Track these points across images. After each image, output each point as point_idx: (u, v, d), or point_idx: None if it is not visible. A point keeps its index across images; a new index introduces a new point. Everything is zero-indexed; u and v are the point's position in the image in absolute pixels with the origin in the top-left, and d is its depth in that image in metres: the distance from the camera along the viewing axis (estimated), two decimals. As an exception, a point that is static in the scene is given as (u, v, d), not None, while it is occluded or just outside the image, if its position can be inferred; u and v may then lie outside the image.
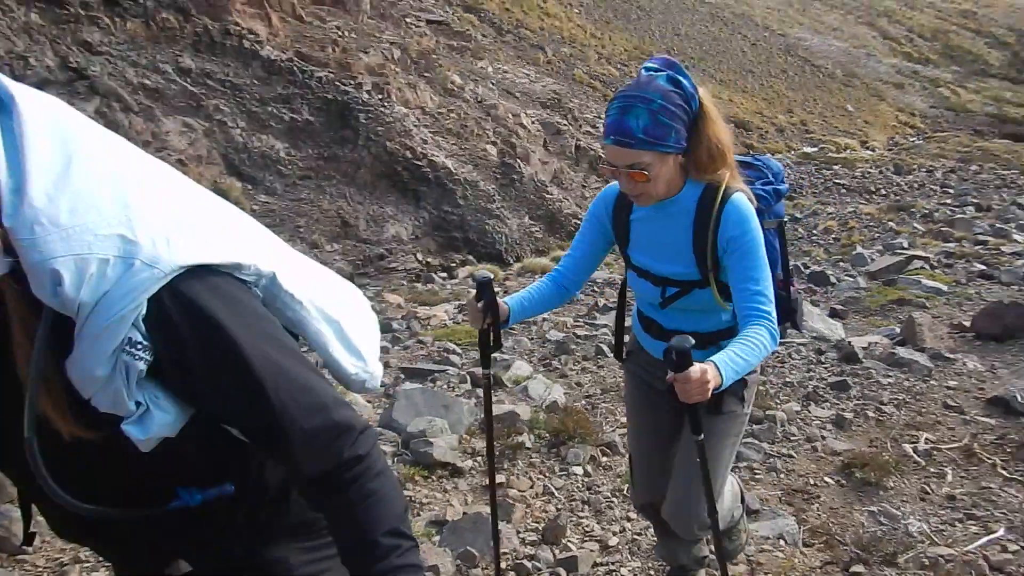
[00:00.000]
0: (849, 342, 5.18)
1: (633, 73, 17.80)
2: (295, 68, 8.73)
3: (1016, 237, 11.72)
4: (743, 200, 1.74)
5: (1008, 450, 3.55)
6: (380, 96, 9.36)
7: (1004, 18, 37.43)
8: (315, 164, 8.29)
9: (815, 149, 20.58)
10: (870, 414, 4.03)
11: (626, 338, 2.23)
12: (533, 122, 12.89)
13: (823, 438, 3.73)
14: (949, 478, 3.33)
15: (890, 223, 13.64)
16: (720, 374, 1.56)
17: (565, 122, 14.13)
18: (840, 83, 25.77)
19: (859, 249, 10.78)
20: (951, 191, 17.09)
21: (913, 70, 28.80)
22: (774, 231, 1.99)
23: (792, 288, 2.09)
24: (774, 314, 1.73)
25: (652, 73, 1.65)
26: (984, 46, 33.30)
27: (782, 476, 3.38)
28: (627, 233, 1.92)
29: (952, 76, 29.21)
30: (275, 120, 8.21)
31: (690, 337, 1.51)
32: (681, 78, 1.64)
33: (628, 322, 2.23)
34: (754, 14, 28.82)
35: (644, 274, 1.91)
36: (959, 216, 13.75)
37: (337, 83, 8.98)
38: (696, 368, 1.51)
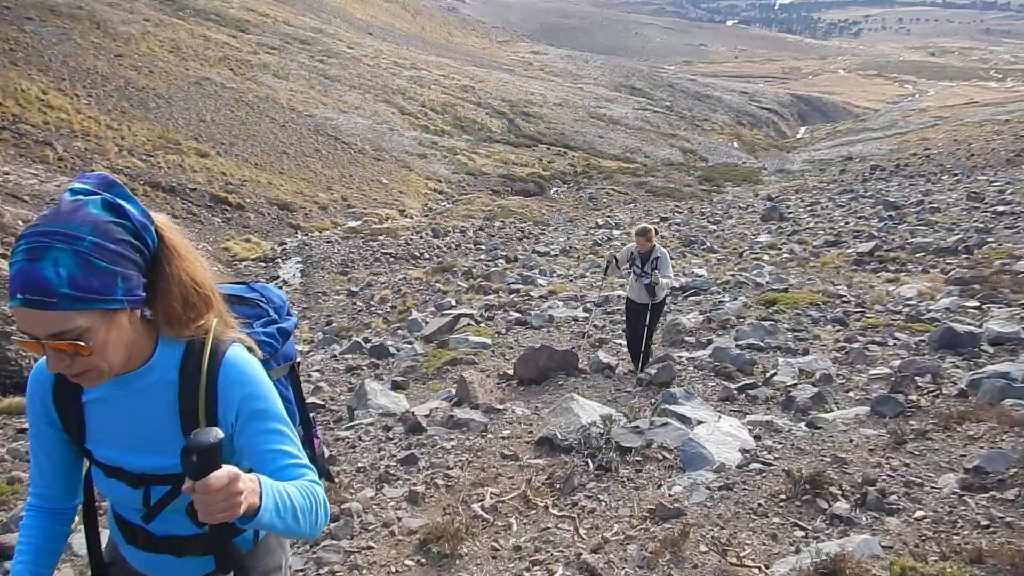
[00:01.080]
0: (412, 412, 5.56)
1: (162, 163, 16.91)
2: None
3: (540, 281, 13.91)
4: (242, 354, 1.39)
5: (557, 487, 4.12)
6: None
7: (496, 91, 44.36)
8: None
9: (360, 222, 21.82)
10: (439, 482, 4.36)
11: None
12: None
13: (399, 519, 3.90)
14: (514, 528, 3.73)
15: (437, 284, 15.10)
16: (260, 491, 1.18)
17: (87, 227, 12.81)
18: (371, 158, 27.78)
19: (414, 314, 11.71)
20: (483, 247, 19.58)
21: (432, 141, 32.33)
22: (286, 378, 1.66)
23: (316, 441, 1.77)
24: (322, 489, 1.36)
25: (79, 198, 1.20)
26: (486, 116, 38.93)
27: (364, 572, 3.44)
28: (81, 421, 1.42)
29: (465, 144, 33.51)
30: None
31: (218, 430, 1.10)
32: (124, 203, 1.23)
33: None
34: (278, 97, 29.71)
35: (115, 472, 1.41)
36: (493, 269, 15.82)
37: None
38: (223, 473, 1.09)
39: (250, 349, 1.43)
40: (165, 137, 21.22)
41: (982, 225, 13.97)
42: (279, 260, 18.08)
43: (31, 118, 18.54)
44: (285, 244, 19.17)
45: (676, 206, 26.69)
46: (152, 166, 19.20)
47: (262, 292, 1.67)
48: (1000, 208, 15.35)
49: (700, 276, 11.74)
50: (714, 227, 20.24)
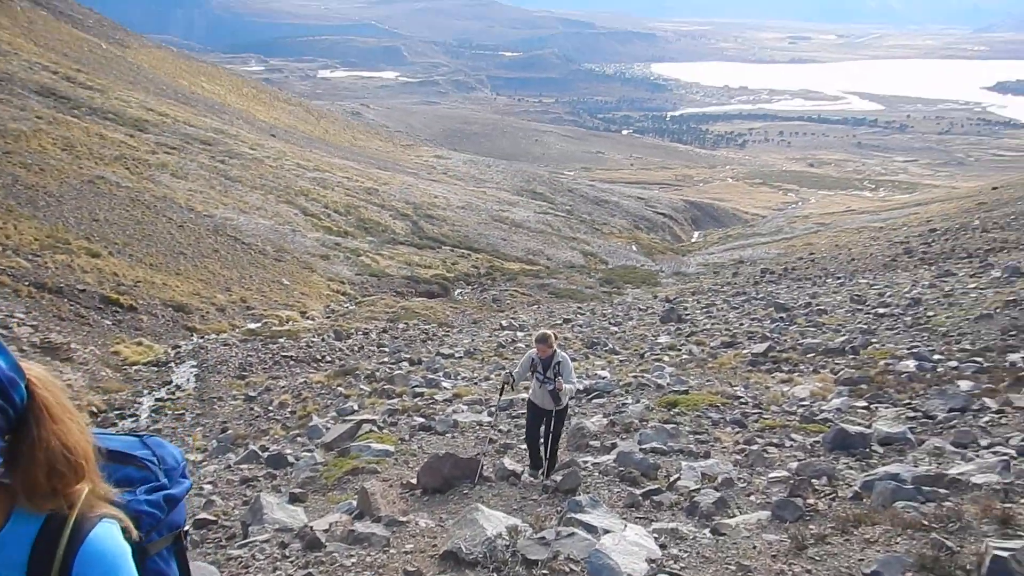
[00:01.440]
0: (311, 527, 5.35)
1: (50, 264, 16.19)
2: None
3: (444, 384, 13.83)
4: (108, 538, 1.20)
5: (460, 603, 4.04)
6: None
7: (400, 193, 44.95)
8: None
9: (259, 324, 21.32)
10: (339, 605, 4.19)
11: None
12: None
13: (297, 650, 3.72)
14: (418, 651, 3.62)
15: (339, 388, 14.80)
16: None
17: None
18: (272, 259, 27.41)
19: (314, 420, 11.40)
20: (387, 349, 19.40)
21: (335, 242, 32.26)
22: (168, 551, 1.44)
23: None
24: None
25: None
26: (389, 218, 39.26)
27: None
28: None
29: (369, 245, 33.57)
30: None
31: None
32: None
33: None
34: (176, 197, 29.20)
35: None
36: (397, 372, 15.65)
37: None
38: None
39: (124, 528, 1.25)
40: (54, 236, 20.44)
41: (865, 326, 14.82)
42: (172, 364, 17.38)
43: (-97, 216, 17.58)
44: (180, 347, 18.48)
45: (578, 308, 27.28)
46: (39, 266, 18.38)
47: (154, 450, 1.46)
48: (881, 310, 16.36)
49: (603, 378, 11.95)
50: (616, 328, 20.74)
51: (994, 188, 58.20)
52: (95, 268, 20.17)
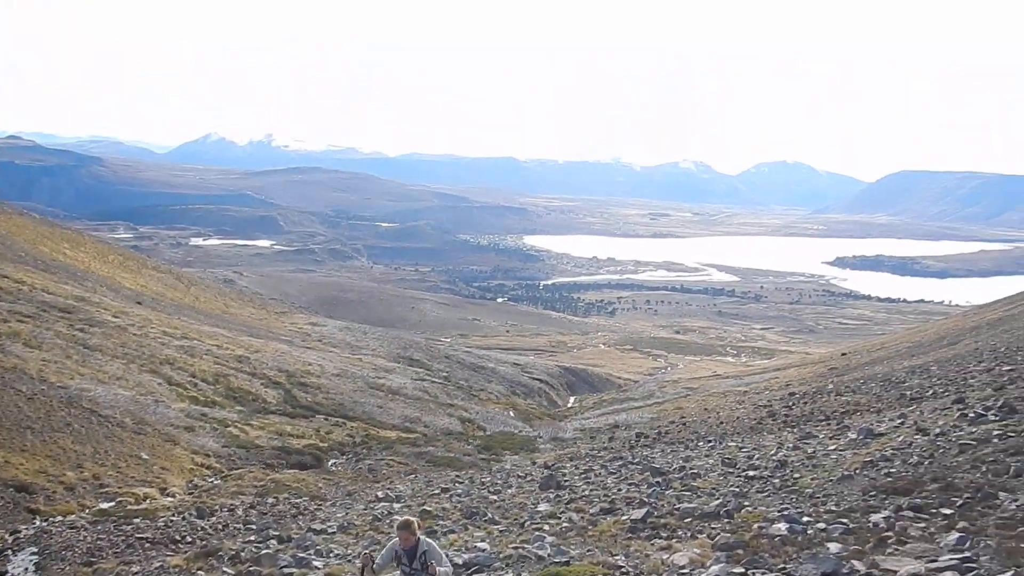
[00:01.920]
0: None
1: None
2: None
3: (316, 563, 13.20)
4: None
5: None
6: None
7: (273, 361, 44.00)
8: None
9: (112, 504, 19.85)
10: None
11: None
12: None
13: None
14: None
15: (200, 572, 13.83)
16: None
17: None
18: (131, 431, 25.95)
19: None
20: (253, 527, 18.37)
21: (201, 412, 30.95)
22: None
23: None
24: None
25: None
26: (261, 386, 38.19)
27: None
28: None
29: (238, 415, 32.36)
30: None
31: None
32: None
33: None
34: (27, 367, 27.54)
35: None
36: (264, 552, 14.81)
37: None
38: None
39: None
40: None
41: (737, 489, 15.40)
42: (9, 553, 15.78)
43: None
44: (19, 533, 16.85)
45: (457, 476, 26.94)
46: None
47: None
48: (751, 472, 17.08)
49: (483, 551, 11.83)
50: (495, 497, 20.58)
51: (843, 354, 63.19)
52: (-74, 446, 18.47)
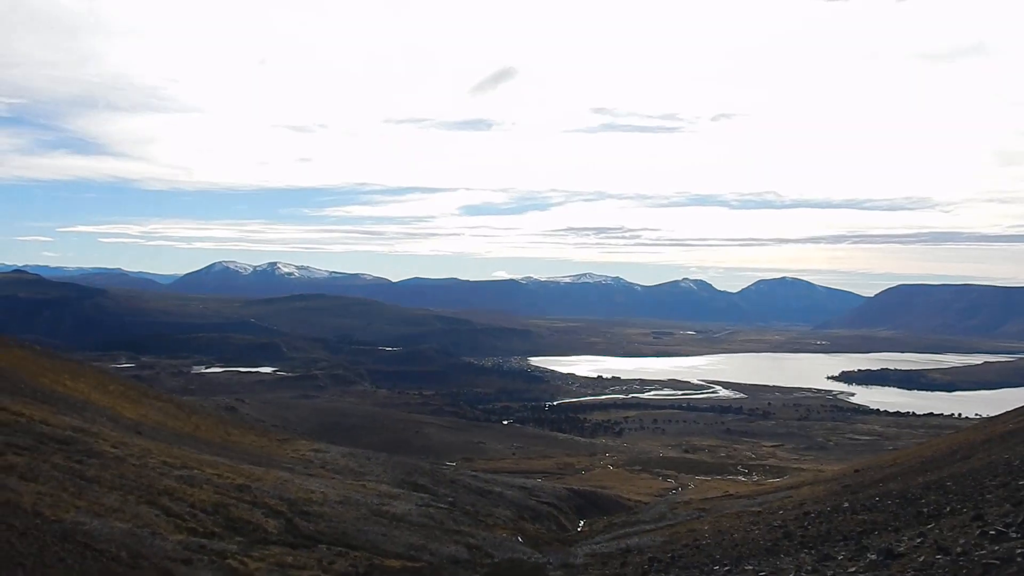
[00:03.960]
0: None
1: None
2: None
3: None
4: None
5: None
6: None
7: (274, 489, 43.00)
8: None
9: (104, 645, 18.89)
10: None
11: None
12: None
13: None
14: None
15: None
16: None
17: None
18: (126, 566, 25.00)
19: None
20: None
21: (200, 544, 29.93)
22: None
23: None
24: None
25: None
26: (262, 516, 37.15)
27: None
28: None
29: (237, 547, 31.29)
30: None
31: None
32: None
33: None
34: (21, 501, 26.84)
35: None
36: None
37: None
38: None
39: None
40: None
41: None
42: None
43: None
44: None
45: (465, 607, 25.79)
46: None
47: None
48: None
49: None
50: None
51: (856, 471, 61.82)
52: (-87, 586, 17.76)
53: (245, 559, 30.09)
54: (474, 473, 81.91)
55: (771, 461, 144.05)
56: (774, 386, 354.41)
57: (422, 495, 56.35)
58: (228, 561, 29.24)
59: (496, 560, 39.32)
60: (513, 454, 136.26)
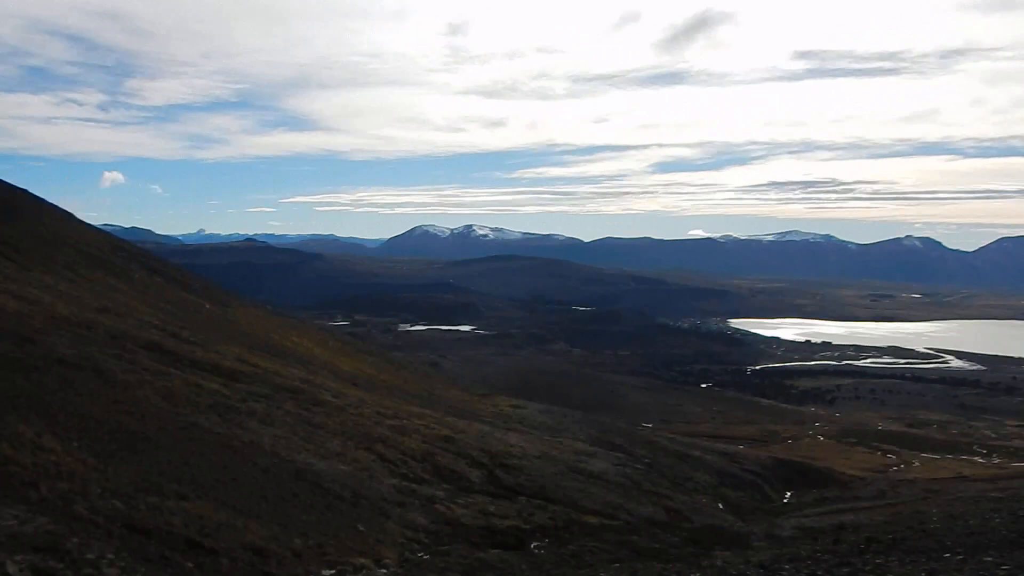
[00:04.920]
0: None
1: (142, 505, 17.26)
2: None
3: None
4: None
5: None
6: None
7: (476, 442, 45.63)
8: None
9: (333, 571, 21.40)
10: None
11: None
12: (22, 569, 11.55)
13: None
14: None
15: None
16: None
17: (61, 565, 12.90)
18: (349, 504, 27.92)
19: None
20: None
21: (411, 489, 32.69)
22: None
23: None
24: None
25: None
26: (465, 466, 39.68)
27: None
28: None
29: (444, 493, 33.82)
30: None
31: None
32: None
33: None
34: (262, 442, 30.62)
35: None
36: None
37: None
38: None
39: None
40: (148, 479, 21.62)
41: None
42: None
43: (21, 460, 19.13)
44: (257, 593, 18.64)
45: (663, 569, 26.35)
46: (131, 508, 19.33)
47: None
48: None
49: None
50: (705, 592, 19.98)
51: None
52: (183, 510, 21.02)
53: (451, 505, 32.50)
54: (671, 435, 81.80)
55: (1017, 442, 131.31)
56: (1020, 357, 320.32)
57: (618, 455, 57.29)
58: (436, 506, 31.74)
59: (695, 525, 39.50)
60: (712, 419, 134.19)
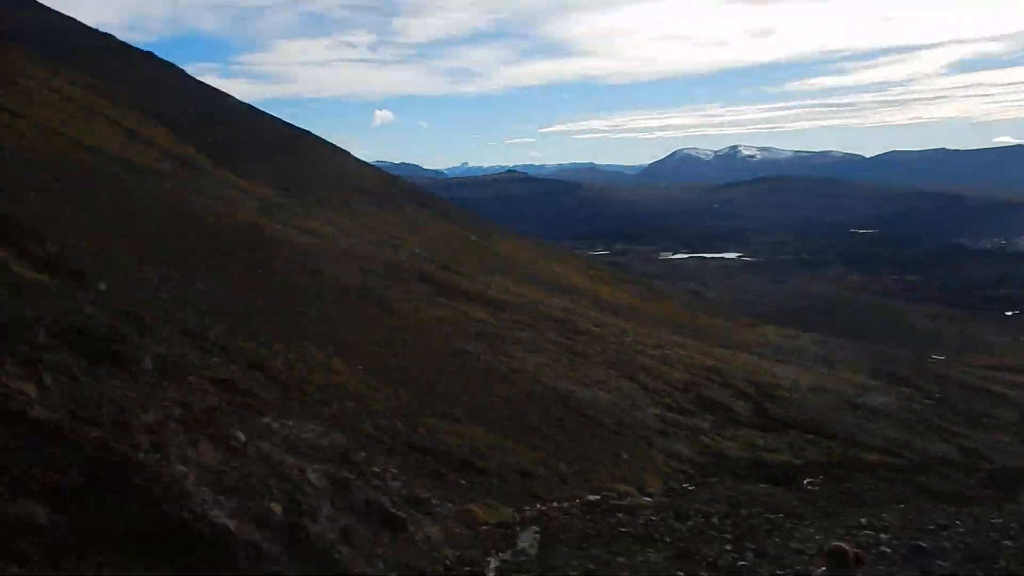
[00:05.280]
0: None
1: (420, 426, 18.67)
2: (65, 429, 8.54)
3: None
4: None
5: None
6: (158, 456, 9.22)
7: (742, 372, 44.35)
8: (81, 531, 7.79)
9: (597, 497, 21.97)
10: None
11: None
12: (320, 477, 12.98)
13: None
14: None
15: (679, 572, 14.61)
16: None
17: (353, 476, 14.37)
18: (611, 431, 28.44)
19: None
20: (728, 536, 18.71)
21: (674, 419, 32.58)
22: None
23: None
24: None
25: None
26: (730, 397, 38.78)
27: None
28: None
29: (708, 424, 33.33)
30: (38, 483, 7.80)
31: None
32: None
33: None
34: (527, 369, 32.01)
35: None
36: (741, 563, 15.08)
37: (111, 443, 8.82)
38: None
39: None
40: (424, 402, 23.51)
41: None
42: (517, 527, 18.52)
43: (316, 380, 21.57)
44: (524, 512, 19.68)
45: (957, 512, 24.06)
46: (410, 428, 21.16)
47: None
48: None
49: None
50: (1009, 543, 17.95)
51: None
52: (455, 432, 22.63)
53: (716, 437, 31.96)
54: (967, 368, 73.94)
55: None
56: None
57: (903, 388, 52.95)
58: (701, 437, 31.38)
59: (996, 466, 35.57)
60: (1019, 350, 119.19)
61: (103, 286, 18.58)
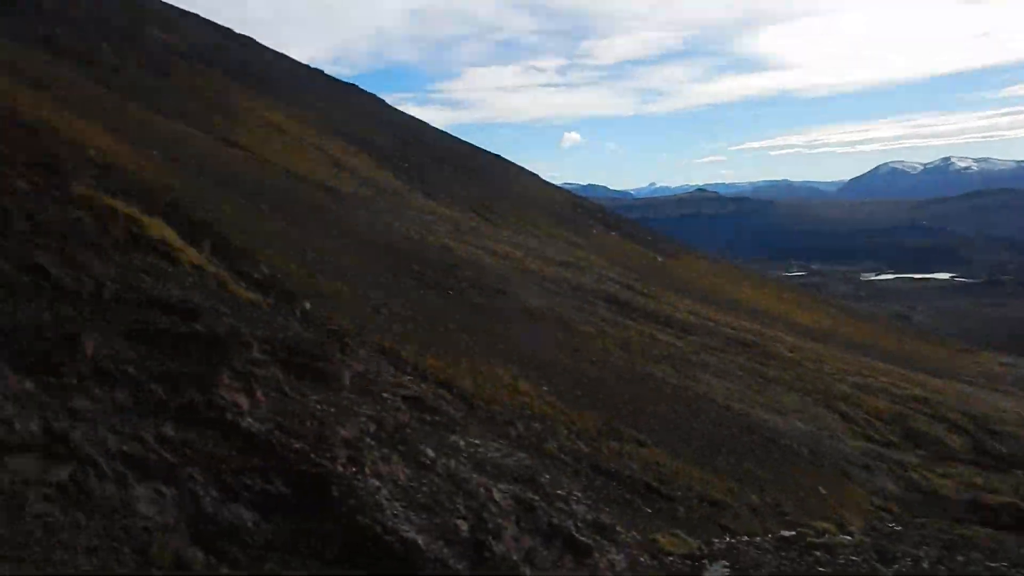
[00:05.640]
0: None
1: (604, 449, 18.50)
2: (273, 440, 9.25)
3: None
4: None
5: None
6: (354, 469, 9.76)
7: (956, 403, 40.56)
8: (283, 536, 8.39)
9: (793, 533, 20.77)
10: None
11: None
12: (505, 497, 13.18)
13: None
14: None
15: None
16: None
17: (537, 497, 14.46)
18: (807, 462, 26.88)
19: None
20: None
21: (878, 452, 30.32)
22: None
23: None
24: None
25: None
26: (943, 430, 35.56)
27: None
28: None
29: (917, 459, 30.71)
30: (247, 490, 8.49)
31: None
32: None
33: None
34: (715, 395, 30.97)
35: None
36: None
37: (312, 456, 9.44)
38: None
39: None
40: (609, 425, 23.29)
41: None
42: (705, 560, 17.88)
43: (501, 399, 21.97)
44: (713, 544, 18.97)
45: None
46: (595, 451, 21.02)
47: None
48: None
49: None
50: None
51: None
52: (640, 456, 22.24)
53: (927, 473, 29.36)
54: None
55: None
56: None
57: None
58: (909, 473, 28.94)
59: None
60: None
61: (308, 305, 19.99)
